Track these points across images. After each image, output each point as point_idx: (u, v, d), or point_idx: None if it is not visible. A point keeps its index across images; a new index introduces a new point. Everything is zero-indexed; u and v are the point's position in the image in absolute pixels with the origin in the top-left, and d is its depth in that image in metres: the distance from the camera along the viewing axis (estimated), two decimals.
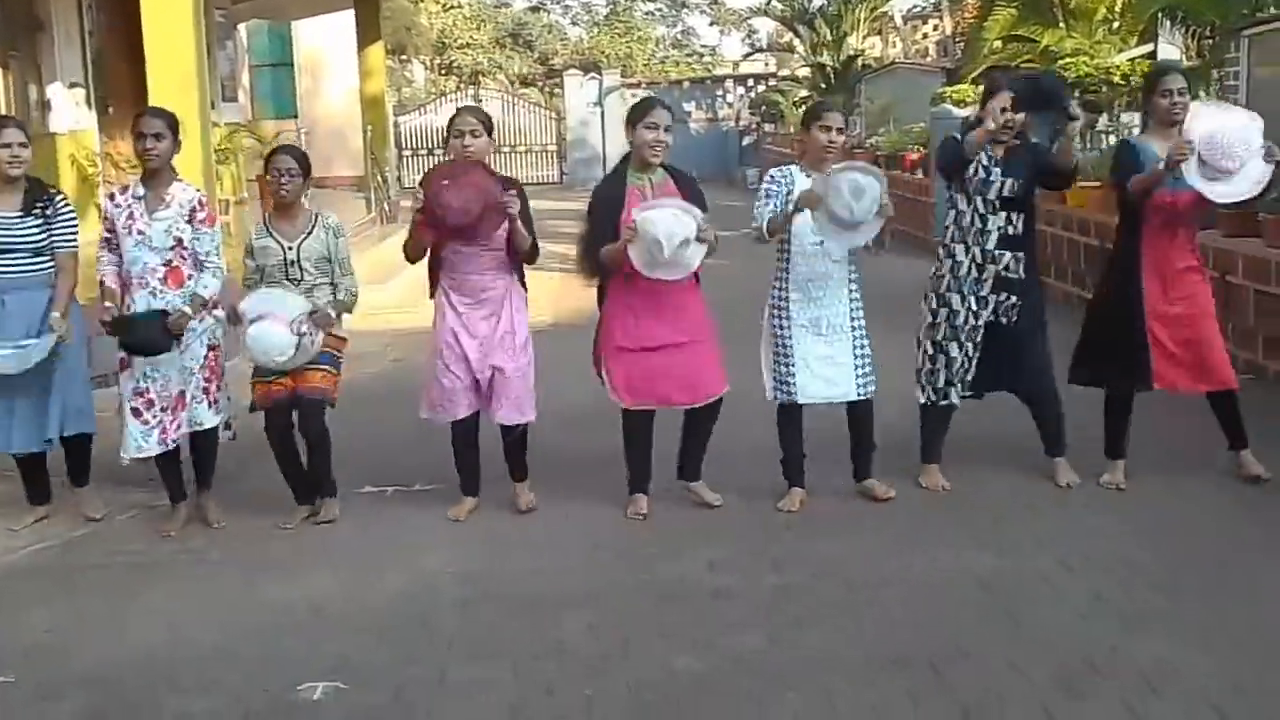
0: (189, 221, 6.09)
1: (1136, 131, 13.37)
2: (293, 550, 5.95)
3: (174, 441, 6.17)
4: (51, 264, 6.17)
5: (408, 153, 31.76)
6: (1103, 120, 12.68)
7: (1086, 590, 5.11)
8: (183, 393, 6.12)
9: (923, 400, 6.43)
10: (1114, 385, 6.36)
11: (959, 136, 6.19)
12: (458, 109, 6.28)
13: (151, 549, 6.02)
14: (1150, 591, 5.08)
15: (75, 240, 6.25)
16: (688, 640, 4.76)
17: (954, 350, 6.27)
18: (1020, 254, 6.19)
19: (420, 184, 6.06)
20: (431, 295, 6.25)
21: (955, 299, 6.23)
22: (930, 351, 6.34)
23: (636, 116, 6.02)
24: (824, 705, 4.21)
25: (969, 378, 6.32)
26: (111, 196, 6.25)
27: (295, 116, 20.30)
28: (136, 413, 6.09)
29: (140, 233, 6.05)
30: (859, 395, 6.17)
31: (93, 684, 4.58)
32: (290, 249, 6.14)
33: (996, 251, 6.17)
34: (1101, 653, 4.51)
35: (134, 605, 5.36)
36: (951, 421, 6.47)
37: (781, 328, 6.11)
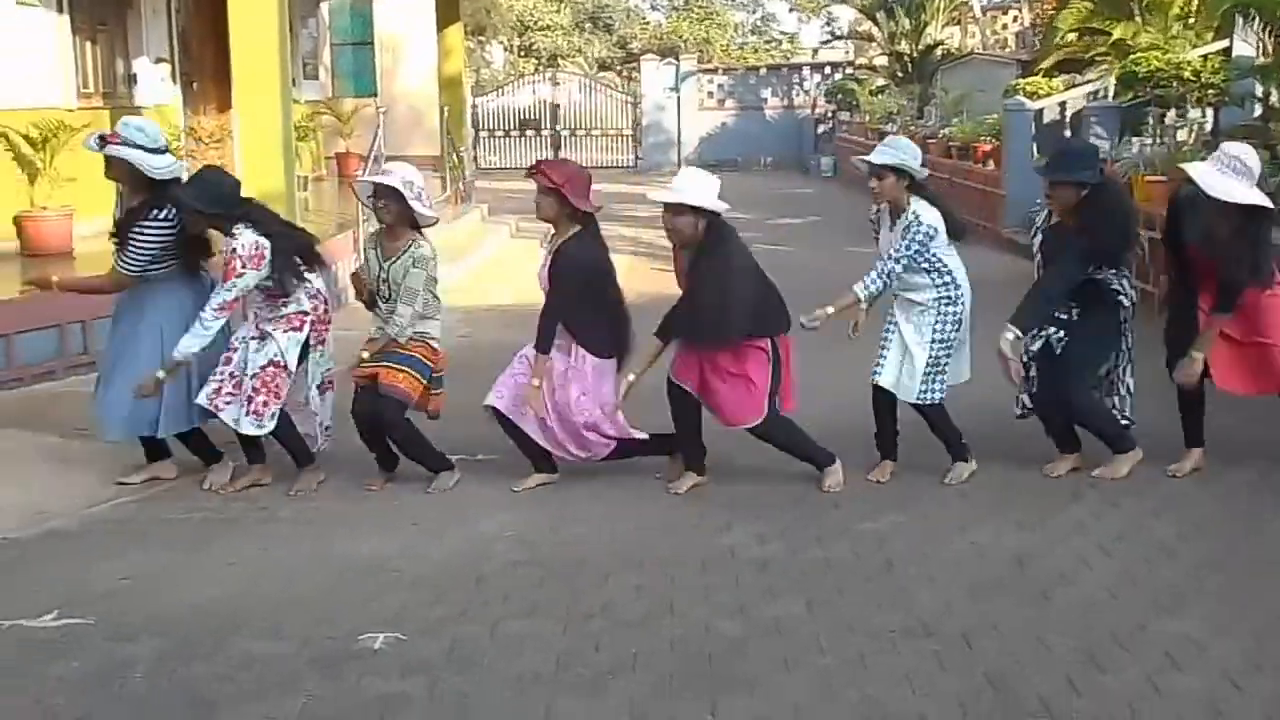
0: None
1: (1208, 127, 13.38)
2: (358, 512, 6.22)
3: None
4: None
5: (484, 134, 32.11)
6: (1171, 115, 12.65)
7: (1120, 572, 5.24)
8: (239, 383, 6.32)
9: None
10: None
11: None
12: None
13: (226, 506, 6.32)
14: (1182, 576, 5.20)
15: None
16: (730, 605, 4.97)
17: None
18: None
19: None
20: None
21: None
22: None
23: None
24: (855, 668, 4.39)
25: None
26: None
27: (374, 95, 20.58)
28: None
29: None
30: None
31: (165, 627, 4.84)
32: (383, 267, 6.37)
33: None
34: (1128, 630, 4.64)
35: (206, 557, 5.65)
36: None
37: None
